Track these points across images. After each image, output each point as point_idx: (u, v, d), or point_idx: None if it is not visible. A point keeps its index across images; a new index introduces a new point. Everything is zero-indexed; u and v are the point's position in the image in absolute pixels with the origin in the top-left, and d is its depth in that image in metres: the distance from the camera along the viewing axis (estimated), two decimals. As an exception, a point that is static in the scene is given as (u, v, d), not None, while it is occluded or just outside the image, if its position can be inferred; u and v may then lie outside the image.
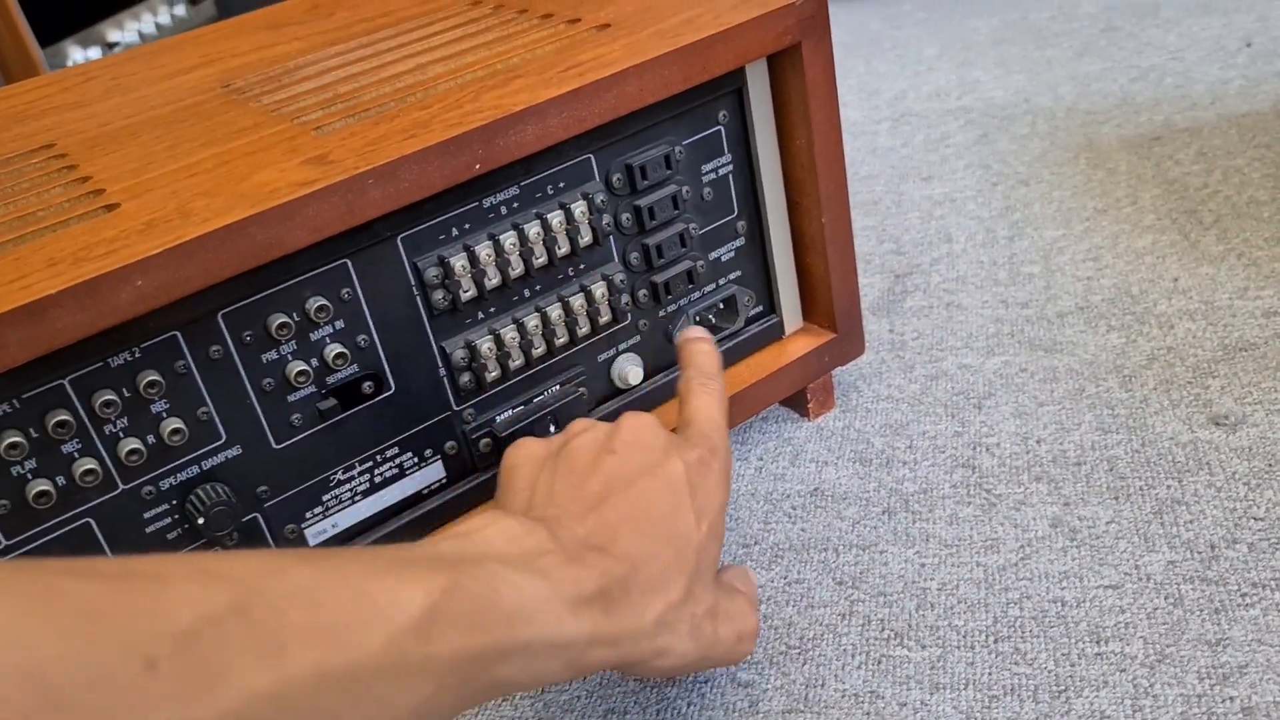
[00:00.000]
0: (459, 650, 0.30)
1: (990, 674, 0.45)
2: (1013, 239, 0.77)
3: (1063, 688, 0.43)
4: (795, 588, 0.51)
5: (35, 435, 0.41)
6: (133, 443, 0.43)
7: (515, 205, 0.50)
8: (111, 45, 1.62)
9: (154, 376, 0.42)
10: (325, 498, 0.49)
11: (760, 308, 0.60)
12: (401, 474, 0.51)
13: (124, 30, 1.65)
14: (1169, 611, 0.46)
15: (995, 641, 0.46)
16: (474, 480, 0.53)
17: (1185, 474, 0.53)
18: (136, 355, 0.42)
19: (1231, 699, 0.42)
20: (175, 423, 0.44)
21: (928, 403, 0.62)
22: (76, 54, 1.55)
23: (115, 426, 0.43)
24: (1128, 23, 1.11)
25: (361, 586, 0.29)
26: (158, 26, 1.72)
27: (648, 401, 0.57)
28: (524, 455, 0.43)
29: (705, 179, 0.55)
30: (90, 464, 0.42)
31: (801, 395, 0.62)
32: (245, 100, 0.56)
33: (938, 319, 0.69)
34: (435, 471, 0.52)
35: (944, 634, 0.47)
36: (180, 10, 1.78)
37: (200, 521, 0.44)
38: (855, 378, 0.65)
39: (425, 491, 0.52)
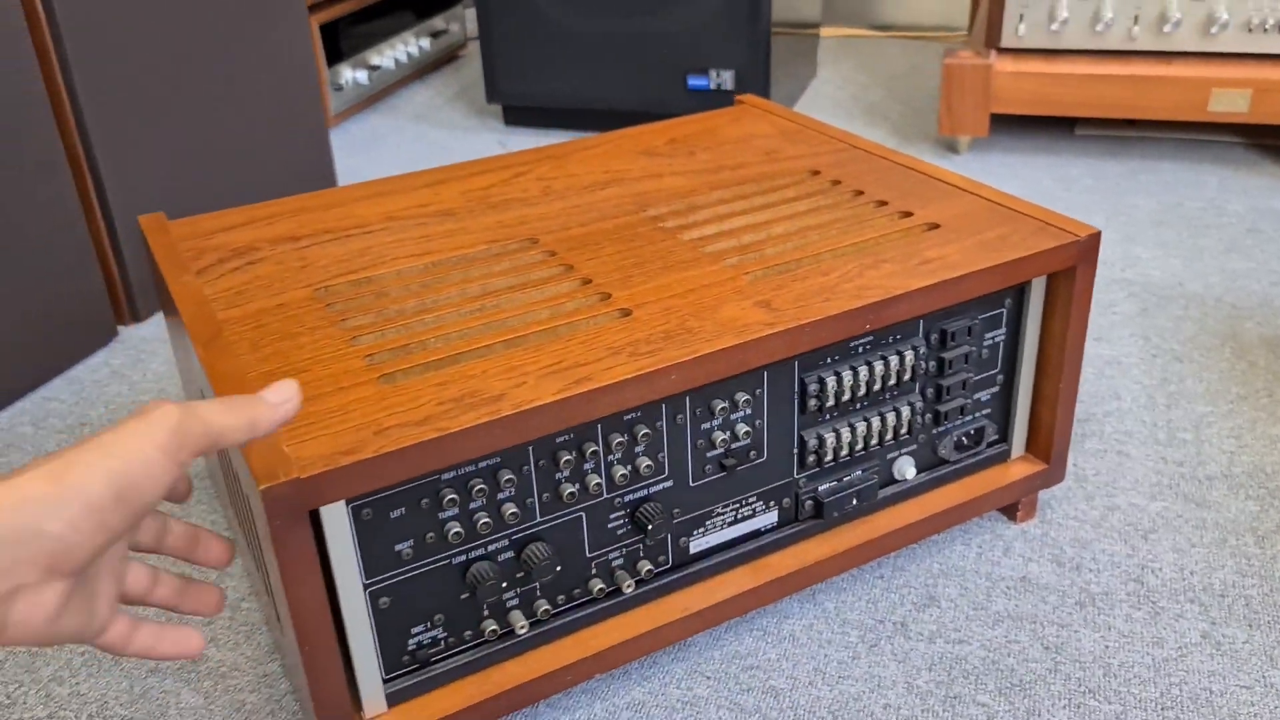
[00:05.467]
0: None
1: (1155, 729, 0.66)
2: (1169, 407, 0.97)
3: (1206, 747, 0.64)
4: (1012, 645, 0.72)
5: (568, 460, 0.63)
6: (621, 469, 0.65)
7: (868, 346, 0.72)
8: (374, 68, 1.87)
9: (645, 430, 0.65)
10: (708, 522, 0.71)
11: (996, 437, 0.82)
12: (752, 515, 0.73)
13: (383, 56, 1.90)
14: (1283, 711, 0.67)
15: (1161, 709, 0.67)
16: (794, 528, 0.75)
17: (1299, 618, 0.73)
18: (638, 414, 0.65)
19: (1323, 774, 0.62)
20: (646, 460, 0.66)
21: (1105, 527, 0.83)
22: (347, 74, 1.80)
23: (613, 458, 0.65)
24: (1270, 226, 1.31)
25: None
26: (408, 55, 1.97)
27: (913, 491, 0.79)
28: None
29: (985, 343, 0.77)
30: (596, 479, 0.64)
31: (1013, 505, 0.83)
32: (671, 230, 0.78)
33: (1110, 462, 0.90)
34: (770, 518, 0.74)
35: (1124, 697, 0.68)
36: (425, 43, 2.03)
37: (647, 526, 0.67)
38: (1049, 498, 0.86)
39: (761, 530, 0.74)
